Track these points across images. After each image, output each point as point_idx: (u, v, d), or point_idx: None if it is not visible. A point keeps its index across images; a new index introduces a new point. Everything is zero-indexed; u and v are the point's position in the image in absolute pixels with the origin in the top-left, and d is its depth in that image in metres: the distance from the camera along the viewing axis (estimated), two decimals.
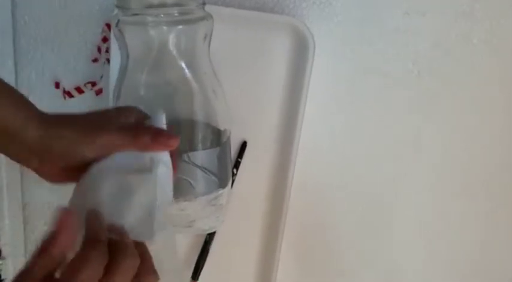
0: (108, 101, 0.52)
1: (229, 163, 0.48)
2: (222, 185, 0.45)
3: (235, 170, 0.53)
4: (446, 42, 0.51)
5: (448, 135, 0.54)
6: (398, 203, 0.56)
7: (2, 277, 0.57)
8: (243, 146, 0.53)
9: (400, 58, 0.51)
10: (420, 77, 0.52)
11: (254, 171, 0.53)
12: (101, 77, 0.51)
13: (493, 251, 0.58)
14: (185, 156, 0.42)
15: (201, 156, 0.43)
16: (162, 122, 0.34)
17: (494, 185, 0.55)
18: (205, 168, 0.43)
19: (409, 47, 0.51)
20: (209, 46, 0.43)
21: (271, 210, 0.54)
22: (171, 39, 0.40)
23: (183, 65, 0.40)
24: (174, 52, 0.40)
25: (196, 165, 0.43)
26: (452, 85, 0.52)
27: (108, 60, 0.50)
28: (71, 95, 0.52)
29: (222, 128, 0.44)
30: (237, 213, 0.54)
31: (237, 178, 0.53)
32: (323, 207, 0.56)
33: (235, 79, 0.50)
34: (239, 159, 0.53)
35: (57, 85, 0.52)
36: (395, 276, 0.58)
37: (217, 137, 0.44)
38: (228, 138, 0.46)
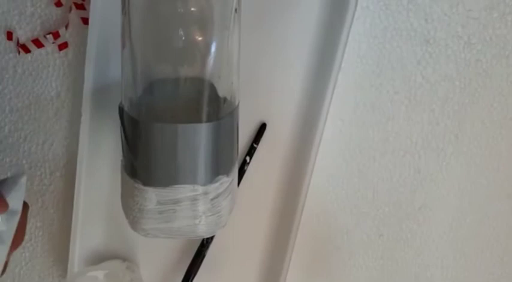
0: (76, 59, 0.41)
1: (225, 154, 0.34)
2: (203, 178, 0.32)
3: (248, 158, 0.42)
4: (506, 0, 0.40)
5: (498, 124, 0.44)
6: (430, 203, 0.46)
7: None
8: (262, 128, 0.42)
9: (447, 20, 0.41)
10: (470, 44, 0.41)
11: (269, 160, 0.43)
12: (66, 26, 0.40)
13: None
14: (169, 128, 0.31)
15: (188, 130, 0.31)
16: (13, 187, 0.32)
17: None
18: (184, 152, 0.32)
19: (459, 6, 0.41)
20: None
21: (283, 212, 0.43)
22: None
23: None
24: None
25: (178, 144, 0.32)
26: (509, 58, 0.42)
27: (75, 5, 0.39)
28: (27, 50, 0.41)
29: (223, 96, 0.33)
30: (242, 212, 0.43)
31: (248, 168, 0.42)
32: (339, 208, 0.45)
33: (255, 46, 0.40)
34: (254, 145, 0.42)
35: (9, 35, 0.40)
36: None
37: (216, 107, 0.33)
38: (232, 114, 0.34)
